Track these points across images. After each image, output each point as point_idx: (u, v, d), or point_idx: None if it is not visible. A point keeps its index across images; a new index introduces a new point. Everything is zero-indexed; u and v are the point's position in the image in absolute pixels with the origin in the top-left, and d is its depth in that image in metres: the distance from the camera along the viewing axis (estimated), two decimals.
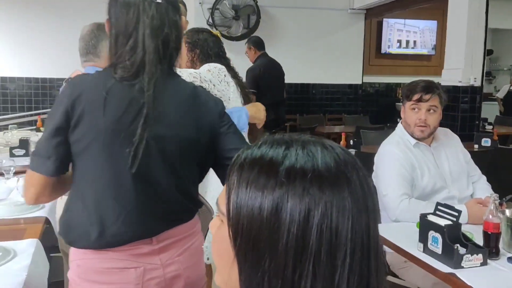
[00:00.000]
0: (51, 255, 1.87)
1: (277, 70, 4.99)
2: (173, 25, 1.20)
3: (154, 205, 1.18)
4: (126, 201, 1.14)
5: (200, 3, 6.02)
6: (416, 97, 2.09)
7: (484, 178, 2.26)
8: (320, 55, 6.57)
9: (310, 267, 0.55)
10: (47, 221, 1.83)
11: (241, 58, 4.99)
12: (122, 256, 1.15)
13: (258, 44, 4.98)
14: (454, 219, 1.54)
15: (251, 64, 4.94)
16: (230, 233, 0.60)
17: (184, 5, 1.96)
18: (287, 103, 5.64)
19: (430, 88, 2.11)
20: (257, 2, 6.02)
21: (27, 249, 1.46)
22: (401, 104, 2.25)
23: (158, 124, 1.15)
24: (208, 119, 1.24)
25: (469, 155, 2.30)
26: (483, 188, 2.19)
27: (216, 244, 0.65)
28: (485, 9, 4.56)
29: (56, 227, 1.90)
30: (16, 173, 2.36)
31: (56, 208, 1.95)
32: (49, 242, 1.68)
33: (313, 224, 0.56)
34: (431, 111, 2.10)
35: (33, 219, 1.80)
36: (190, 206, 1.28)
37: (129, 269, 1.15)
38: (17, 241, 1.52)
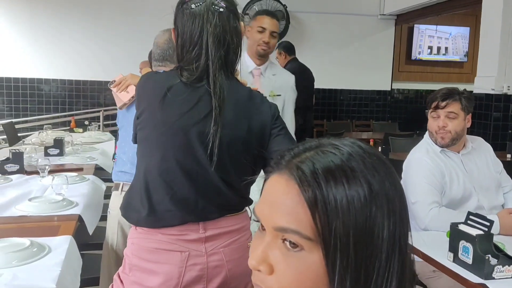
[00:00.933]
0: (82, 252, 1.91)
1: (307, 75, 5.00)
2: (234, 32, 1.29)
3: (202, 193, 1.27)
4: (178, 187, 1.26)
5: None
6: (434, 104, 2.09)
7: None
8: (349, 60, 6.54)
9: (396, 264, 0.57)
10: (79, 219, 1.87)
11: None
12: (171, 240, 1.26)
13: (289, 49, 4.99)
14: (486, 229, 1.51)
15: None
16: (326, 253, 0.55)
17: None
18: (314, 108, 5.63)
19: (448, 94, 2.08)
20: (286, 7, 6.05)
21: (61, 245, 1.51)
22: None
23: (222, 124, 1.25)
24: (260, 120, 1.32)
25: (501, 165, 2.25)
26: None
27: (297, 276, 0.57)
28: None
29: (90, 225, 1.96)
30: (50, 172, 2.45)
31: (111, 203, 2.04)
32: (82, 240, 1.72)
33: (397, 215, 0.58)
34: (451, 117, 2.07)
35: (67, 216, 1.85)
36: (237, 201, 1.34)
37: (175, 252, 1.26)
38: (51, 238, 1.56)
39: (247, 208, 1.40)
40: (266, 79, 2.56)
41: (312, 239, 0.55)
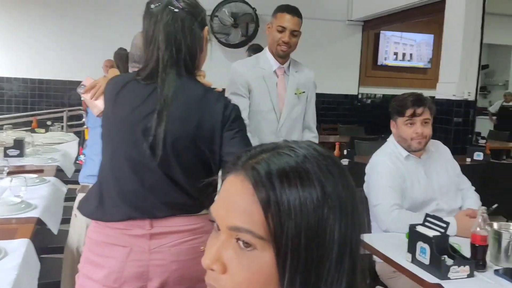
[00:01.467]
0: (42, 256, 1.87)
1: None
2: (188, 33, 1.31)
3: (149, 189, 1.28)
4: (125, 182, 1.29)
5: None
6: (409, 112, 2.11)
7: (472, 188, 2.28)
8: (317, 65, 6.57)
9: (346, 265, 0.58)
10: (39, 222, 1.83)
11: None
12: (116, 234, 1.28)
13: (258, 52, 5.01)
14: (442, 231, 1.56)
15: None
16: (277, 252, 0.56)
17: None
18: None
19: (420, 101, 2.13)
20: (255, 10, 6.08)
21: (18, 248, 1.46)
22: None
23: (168, 121, 1.26)
24: (212, 120, 1.31)
25: (459, 168, 2.32)
26: (471, 198, 2.22)
27: (249, 275, 0.57)
28: (481, 24, 4.62)
29: (53, 226, 1.91)
30: (9, 173, 2.37)
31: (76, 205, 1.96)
32: (42, 243, 1.68)
33: (349, 218, 0.60)
34: (425, 123, 2.13)
35: (25, 219, 1.80)
36: (188, 202, 1.31)
37: (118, 246, 1.28)
38: (8, 241, 1.52)
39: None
40: (291, 77, 2.49)
41: (264, 239, 0.56)
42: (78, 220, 2.00)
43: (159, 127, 1.25)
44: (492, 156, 4.48)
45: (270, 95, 2.42)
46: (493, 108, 8.59)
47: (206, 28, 1.39)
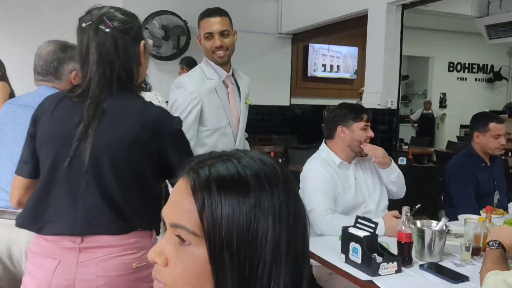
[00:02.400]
0: None
1: None
2: (122, 51, 1.32)
3: (80, 206, 1.27)
4: (57, 198, 1.28)
5: None
6: (365, 117, 2.29)
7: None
8: (249, 76, 6.73)
9: (282, 267, 0.62)
10: None
11: (171, 78, 5.06)
12: (49, 245, 1.29)
13: (191, 64, 5.05)
14: (372, 231, 1.66)
15: None
16: (209, 248, 0.61)
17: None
18: None
19: (366, 109, 2.36)
20: (187, 23, 6.09)
21: None
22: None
23: (100, 137, 1.26)
24: (151, 134, 1.30)
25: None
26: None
27: (185, 269, 0.63)
28: (400, 38, 4.95)
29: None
30: None
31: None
32: None
33: (284, 222, 0.63)
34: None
35: None
36: (122, 222, 1.28)
37: (48, 257, 1.28)
38: None
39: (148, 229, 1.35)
40: (240, 86, 2.38)
41: (198, 235, 0.61)
42: None
43: (84, 142, 1.25)
44: (414, 160, 4.79)
45: (225, 109, 2.26)
46: (415, 116, 9.17)
47: (143, 42, 1.38)
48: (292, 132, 7.24)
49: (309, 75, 8.04)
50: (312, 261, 1.91)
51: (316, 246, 1.89)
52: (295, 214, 0.65)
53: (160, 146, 1.32)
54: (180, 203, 0.64)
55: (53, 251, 1.27)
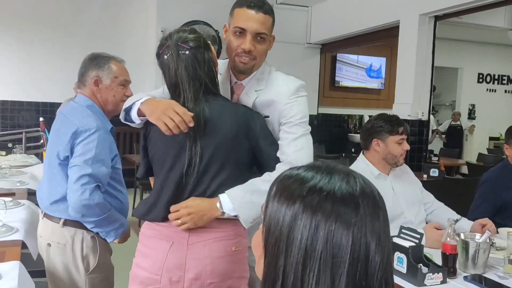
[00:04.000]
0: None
1: None
2: (205, 63, 1.49)
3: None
4: (167, 194, 1.50)
5: (162, 31, 6.11)
6: (401, 130, 2.30)
7: (440, 203, 2.47)
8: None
9: (315, 271, 0.67)
10: (23, 245, 1.82)
11: None
12: (162, 229, 1.50)
13: None
14: (417, 241, 1.69)
15: None
16: (264, 231, 0.74)
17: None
18: None
19: (402, 121, 2.35)
20: (218, 32, 6.21)
21: (11, 270, 1.46)
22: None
23: (204, 140, 1.46)
24: (244, 129, 1.50)
25: (420, 184, 2.50)
26: (448, 210, 2.44)
27: (256, 237, 0.81)
28: (432, 50, 4.95)
29: (33, 251, 1.89)
30: None
31: (37, 229, 1.95)
32: (28, 267, 1.67)
33: (322, 235, 0.68)
34: (406, 141, 2.33)
35: (11, 242, 1.79)
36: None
37: (162, 240, 1.49)
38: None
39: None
40: (244, 97, 1.80)
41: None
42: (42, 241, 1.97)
43: (195, 146, 1.45)
44: (446, 172, 4.76)
45: None
46: (443, 127, 9.08)
47: (212, 48, 1.55)
48: (319, 141, 7.26)
49: (336, 84, 8.06)
50: None
51: None
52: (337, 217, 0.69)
53: (252, 138, 1.51)
54: None
55: (167, 234, 1.48)
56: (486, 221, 2.20)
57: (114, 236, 1.87)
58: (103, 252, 1.90)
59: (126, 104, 1.63)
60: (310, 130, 1.65)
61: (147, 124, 1.56)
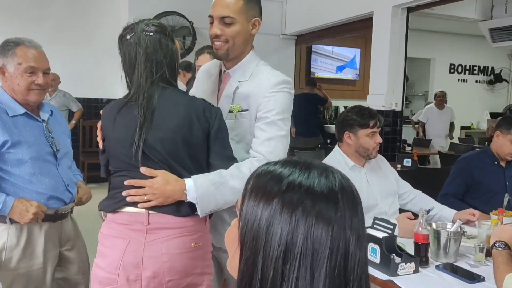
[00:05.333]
0: None
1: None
2: (165, 50, 1.47)
3: None
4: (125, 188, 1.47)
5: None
6: (372, 123, 2.29)
7: (417, 191, 2.52)
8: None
9: (296, 266, 0.67)
10: None
11: None
12: (120, 228, 1.47)
13: (188, 68, 5.19)
14: (390, 232, 1.71)
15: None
16: (240, 227, 0.73)
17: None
18: None
19: (376, 114, 2.34)
20: (192, 24, 6.13)
21: None
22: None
23: (155, 130, 1.43)
24: (198, 125, 1.46)
25: (396, 174, 2.53)
26: (427, 198, 2.48)
27: (230, 232, 0.81)
28: (405, 41, 5.00)
29: None
30: None
31: None
32: None
33: (302, 230, 0.67)
34: (378, 133, 2.33)
35: None
36: (180, 205, 1.46)
37: (119, 238, 1.46)
38: None
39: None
40: (228, 87, 1.74)
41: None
42: None
43: (140, 138, 1.42)
44: (418, 161, 4.83)
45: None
46: (416, 117, 9.22)
47: (177, 41, 1.54)
48: (296, 133, 7.27)
49: (312, 75, 8.08)
50: None
51: None
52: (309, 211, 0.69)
53: (209, 131, 1.48)
54: None
55: (124, 232, 1.46)
56: (476, 211, 2.24)
57: None
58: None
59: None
60: (288, 129, 1.60)
61: (103, 120, 1.57)
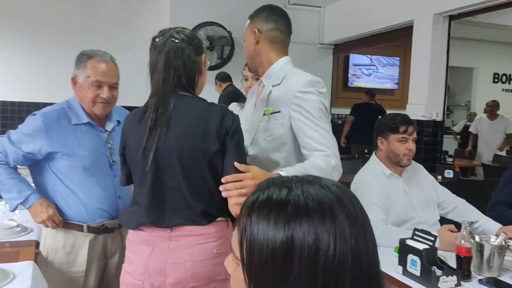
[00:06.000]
0: None
1: (241, 100, 5.15)
2: (187, 60, 1.50)
3: (166, 203, 1.47)
4: (145, 198, 1.48)
5: None
6: (403, 129, 2.26)
7: (460, 200, 2.43)
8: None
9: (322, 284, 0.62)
10: (37, 245, 1.84)
11: (213, 87, 5.45)
12: (145, 235, 1.51)
13: (225, 79, 5.31)
14: (431, 244, 1.67)
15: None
16: (246, 277, 0.65)
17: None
18: None
19: (410, 121, 2.31)
20: (231, 33, 6.21)
21: (25, 270, 1.48)
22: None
23: (169, 136, 1.44)
24: (213, 131, 1.45)
25: (434, 180, 2.47)
26: (470, 208, 2.38)
27: (233, 285, 0.72)
28: (446, 49, 4.90)
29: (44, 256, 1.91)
30: None
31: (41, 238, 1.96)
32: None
33: (323, 252, 0.62)
34: (413, 141, 2.29)
35: (25, 242, 1.82)
36: (198, 216, 1.47)
37: (143, 245, 1.50)
38: (13, 263, 1.53)
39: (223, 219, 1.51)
40: (263, 93, 1.83)
41: (239, 259, 0.67)
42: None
43: (153, 144, 1.44)
44: (460, 173, 4.70)
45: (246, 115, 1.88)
46: (457, 128, 8.96)
47: (203, 55, 1.58)
48: (354, 141, 7.19)
49: (349, 85, 8.01)
50: None
51: None
52: (335, 234, 0.64)
53: (225, 138, 1.47)
54: (235, 232, 0.69)
55: (148, 239, 1.49)
56: None
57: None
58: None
59: None
60: (329, 124, 1.61)
61: (124, 130, 1.59)
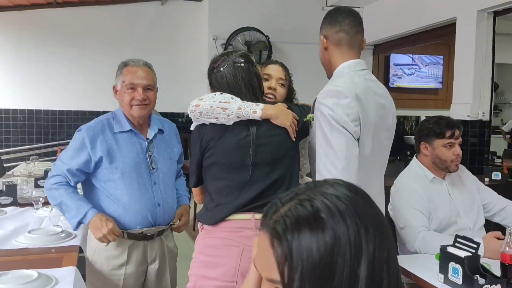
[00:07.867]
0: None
1: None
2: (255, 76, 1.75)
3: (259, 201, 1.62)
4: (235, 197, 1.64)
5: (214, 39, 6.23)
6: (449, 133, 2.17)
7: (508, 201, 2.32)
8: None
9: None
10: (80, 250, 1.90)
11: None
12: (230, 236, 1.60)
13: None
14: (473, 251, 1.61)
15: None
16: (291, 269, 0.63)
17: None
18: None
19: (456, 124, 2.21)
20: (268, 38, 6.22)
21: (67, 276, 1.54)
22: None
23: (260, 140, 1.66)
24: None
25: (478, 182, 2.36)
26: None
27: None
28: (492, 46, 4.70)
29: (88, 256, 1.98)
30: (44, 203, 2.46)
31: (87, 238, 2.03)
32: (83, 271, 1.76)
33: (365, 251, 0.63)
34: (459, 145, 2.20)
35: (68, 248, 1.88)
36: None
37: (231, 246, 1.58)
38: (56, 269, 1.59)
39: None
40: None
41: (278, 281, 0.65)
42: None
43: (254, 149, 1.64)
44: (509, 175, 4.49)
45: None
46: (507, 127, 8.58)
47: (258, 66, 1.80)
48: None
49: (391, 85, 7.83)
50: (406, 278, 1.88)
51: (410, 264, 1.85)
52: (374, 240, 0.65)
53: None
54: (268, 259, 0.66)
55: (236, 240, 1.59)
56: None
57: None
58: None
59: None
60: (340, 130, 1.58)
61: (209, 139, 1.68)
